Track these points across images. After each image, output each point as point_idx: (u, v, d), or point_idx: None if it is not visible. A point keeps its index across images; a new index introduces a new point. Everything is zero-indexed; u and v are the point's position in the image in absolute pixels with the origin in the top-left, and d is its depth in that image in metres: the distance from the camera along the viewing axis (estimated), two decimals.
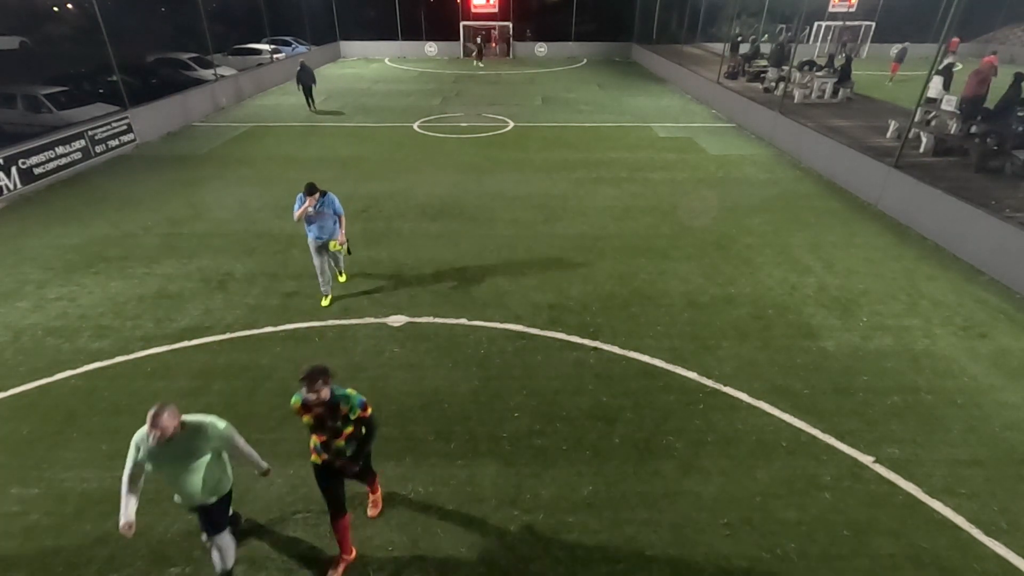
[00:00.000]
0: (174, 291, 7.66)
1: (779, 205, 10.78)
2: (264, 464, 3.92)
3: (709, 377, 6.05)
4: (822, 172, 12.58)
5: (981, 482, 4.81)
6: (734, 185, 11.85)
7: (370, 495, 4.49)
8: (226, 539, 3.74)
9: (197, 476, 3.42)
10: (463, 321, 7.03)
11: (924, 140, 12.15)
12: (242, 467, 4.08)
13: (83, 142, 12.70)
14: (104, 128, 13.37)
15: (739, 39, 24.40)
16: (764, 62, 20.92)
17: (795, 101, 16.81)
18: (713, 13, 33.90)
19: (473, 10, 31.76)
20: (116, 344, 6.53)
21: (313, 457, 3.77)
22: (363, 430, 3.77)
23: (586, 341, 6.64)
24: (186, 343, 6.57)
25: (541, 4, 35.96)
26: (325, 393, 3.47)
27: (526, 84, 24.06)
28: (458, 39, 32.48)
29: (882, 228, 9.80)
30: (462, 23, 32.19)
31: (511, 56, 32.98)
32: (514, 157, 13.70)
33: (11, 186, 10.91)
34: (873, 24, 31.10)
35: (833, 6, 30.06)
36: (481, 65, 29.33)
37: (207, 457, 3.45)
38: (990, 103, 12.09)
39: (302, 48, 28.97)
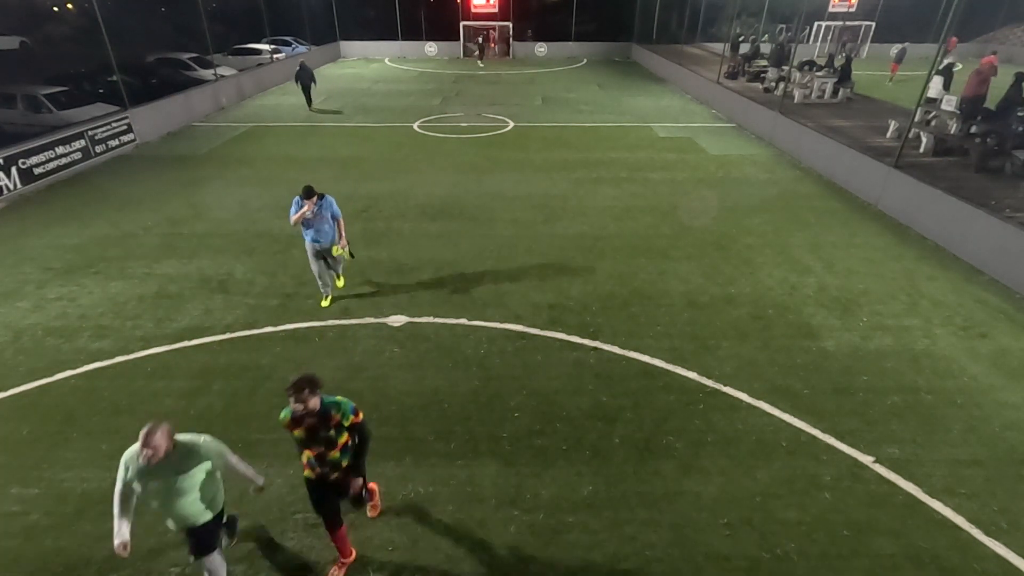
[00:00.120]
0: (174, 291, 7.66)
1: (779, 205, 10.78)
2: (260, 479, 3.85)
3: (709, 377, 6.05)
4: (822, 172, 12.58)
5: (981, 482, 4.81)
6: (734, 185, 11.85)
7: (369, 500, 4.46)
8: (216, 560, 3.60)
9: (190, 497, 3.31)
10: (463, 321, 7.03)
11: (924, 140, 12.15)
12: (236, 485, 4.04)
13: (83, 142, 12.70)
14: (104, 128, 13.38)
15: (739, 39, 24.37)
16: (764, 62, 20.91)
17: (795, 101, 16.80)
18: (713, 13, 33.86)
19: (473, 10, 31.78)
20: (116, 344, 6.53)
21: (306, 472, 3.65)
22: (356, 439, 3.66)
23: (586, 341, 6.64)
24: (186, 343, 6.57)
25: (541, 4, 35.91)
26: (314, 403, 3.37)
27: (526, 84, 24.06)
28: (458, 39, 32.49)
29: (882, 228, 9.80)
30: (462, 23, 32.19)
31: (511, 56, 32.99)
32: (514, 157, 13.70)
33: (11, 186, 10.92)
34: (873, 24, 31.11)
35: (833, 6, 30.08)
36: (482, 65, 29.36)
37: (201, 478, 3.33)
38: (990, 103, 12.09)
39: (302, 48, 28.95)
